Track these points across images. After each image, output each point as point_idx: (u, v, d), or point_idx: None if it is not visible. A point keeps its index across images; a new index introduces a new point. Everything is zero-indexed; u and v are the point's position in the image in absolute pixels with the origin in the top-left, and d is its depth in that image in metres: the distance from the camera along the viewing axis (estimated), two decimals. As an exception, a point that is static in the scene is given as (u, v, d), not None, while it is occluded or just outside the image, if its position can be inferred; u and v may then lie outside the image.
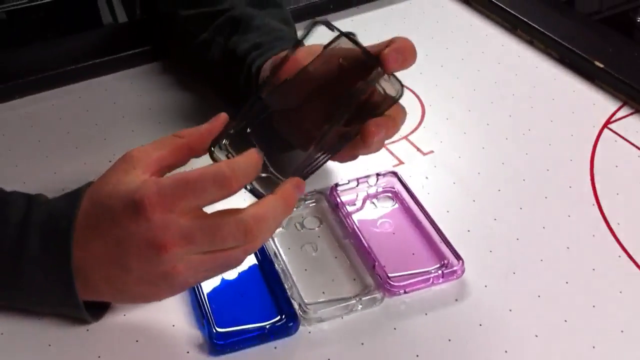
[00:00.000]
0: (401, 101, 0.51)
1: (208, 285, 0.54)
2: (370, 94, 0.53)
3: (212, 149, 0.50)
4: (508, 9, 0.85)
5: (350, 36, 0.52)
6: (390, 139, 0.68)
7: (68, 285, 0.48)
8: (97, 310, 0.52)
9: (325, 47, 0.53)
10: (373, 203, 0.62)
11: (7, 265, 0.49)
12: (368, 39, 0.80)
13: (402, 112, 0.55)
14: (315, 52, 0.54)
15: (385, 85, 0.52)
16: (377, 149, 0.56)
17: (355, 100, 0.51)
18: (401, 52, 0.52)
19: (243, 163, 0.47)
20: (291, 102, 0.54)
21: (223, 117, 0.51)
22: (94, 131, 0.70)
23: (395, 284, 0.54)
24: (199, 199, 0.46)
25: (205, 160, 0.50)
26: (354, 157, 0.58)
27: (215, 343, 0.50)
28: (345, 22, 0.86)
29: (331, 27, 0.52)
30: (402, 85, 0.52)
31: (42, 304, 0.51)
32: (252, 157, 0.48)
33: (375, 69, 0.51)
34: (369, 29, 0.85)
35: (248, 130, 0.52)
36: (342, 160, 0.58)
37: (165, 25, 0.76)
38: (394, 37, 0.54)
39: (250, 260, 0.57)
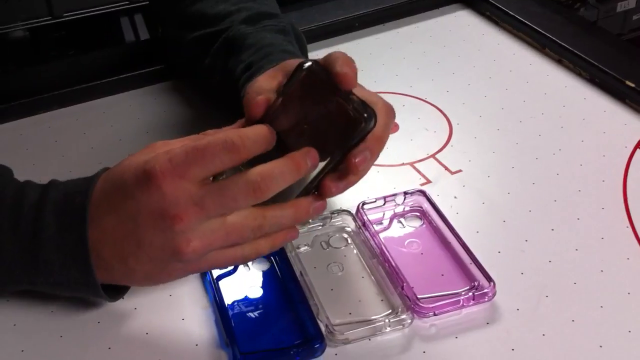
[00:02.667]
0: (429, 118, 0.50)
1: (232, 305, 0.53)
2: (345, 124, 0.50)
3: None
4: (536, 28, 0.84)
5: (313, 65, 0.50)
6: (417, 157, 0.68)
7: (84, 263, 0.48)
8: (115, 293, 0.52)
9: (290, 79, 0.51)
10: (400, 222, 0.61)
11: (25, 247, 0.49)
12: (394, 57, 0.80)
13: (381, 129, 0.51)
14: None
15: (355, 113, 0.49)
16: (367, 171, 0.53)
17: (346, 153, 0.49)
18: (348, 64, 0.50)
19: (252, 133, 0.47)
20: (281, 127, 0.52)
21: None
22: (118, 146, 0.70)
23: (425, 305, 0.52)
24: (209, 165, 0.46)
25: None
26: (347, 187, 0.53)
27: (240, 364, 0.49)
28: (371, 40, 0.85)
29: (317, 68, 0.50)
30: (371, 112, 0.49)
31: (60, 284, 0.50)
32: (261, 129, 0.48)
33: (367, 121, 0.48)
34: (395, 47, 0.84)
35: None
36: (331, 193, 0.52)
37: (174, 48, 0.75)
38: (328, 55, 0.52)
39: (276, 279, 0.56)
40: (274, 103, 0.51)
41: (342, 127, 0.49)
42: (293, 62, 0.56)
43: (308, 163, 0.48)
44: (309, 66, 0.51)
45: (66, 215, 0.48)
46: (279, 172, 0.47)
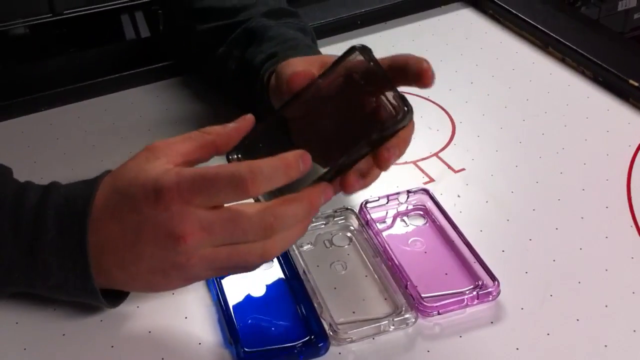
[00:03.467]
0: (432, 116, 0.50)
1: (236, 304, 0.53)
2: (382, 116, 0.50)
3: (228, 157, 0.50)
4: (539, 26, 0.83)
5: (363, 52, 0.50)
6: (420, 156, 0.67)
7: (83, 268, 0.48)
8: (115, 299, 0.51)
9: (337, 61, 0.51)
10: (403, 221, 0.61)
11: (25, 249, 0.48)
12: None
13: (411, 127, 0.53)
14: (327, 64, 0.53)
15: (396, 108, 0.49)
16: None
17: (377, 145, 0.50)
18: (426, 61, 0.51)
19: (267, 167, 0.45)
20: (304, 115, 0.53)
21: (249, 118, 0.50)
22: (120, 144, 0.69)
23: (429, 304, 0.52)
24: (213, 197, 0.45)
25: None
26: (367, 185, 0.54)
27: (244, 363, 0.48)
28: (374, 38, 0.85)
29: (367, 56, 0.50)
30: (410, 107, 0.49)
31: (59, 288, 0.49)
32: (281, 162, 0.45)
33: (404, 116, 0.48)
34: (397, 45, 0.84)
35: (260, 145, 0.51)
36: (353, 189, 0.53)
37: (184, 39, 0.75)
38: (402, 54, 0.52)
39: (279, 278, 0.55)
40: (313, 82, 0.51)
41: (376, 119, 0.49)
42: (326, 56, 0.56)
43: (322, 200, 0.48)
44: (363, 48, 0.50)
45: (67, 219, 0.48)
46: (294, 214, 0.46)
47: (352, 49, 0.50)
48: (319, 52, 0.67)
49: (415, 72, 0.51)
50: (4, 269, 0.49)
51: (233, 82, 0.69)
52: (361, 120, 0.51)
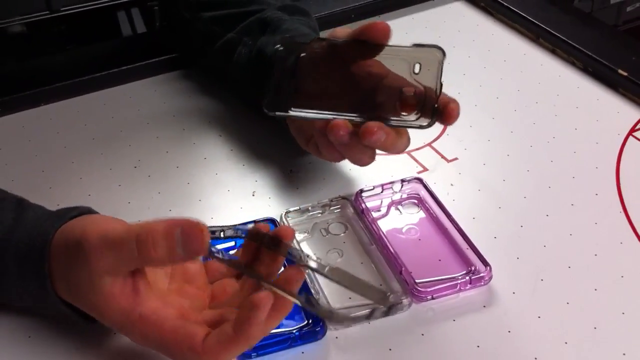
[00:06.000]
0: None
1: (235, 290, 0.54)
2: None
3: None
4: (530, 18, 0.85)
5: (443, 56, 0.55)
6: (414, 146, 0.68)
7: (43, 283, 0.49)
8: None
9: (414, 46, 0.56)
10: (398, 209, 0.62)
11: None
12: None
13: (405, 137, 0.56)
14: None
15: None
16: (368, 160, 0.57)
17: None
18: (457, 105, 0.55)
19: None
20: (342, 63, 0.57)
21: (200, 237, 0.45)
22: (119, 138, 0.71)
23: (423, 289, 0.54)
24: None
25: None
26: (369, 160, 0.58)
27: (243, 347, 0.50)
28: (367, 31, 0.86)
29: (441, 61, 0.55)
30: (433, 123, 0.54)
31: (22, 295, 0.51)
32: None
33: (425, 124, 0.54)
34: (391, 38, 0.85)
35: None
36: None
37: (189, 29, 0.76)
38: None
39: (276, 265, 0.57)
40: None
41: (401, 107, 0.55)
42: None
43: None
44: (442, 52, 0.55)
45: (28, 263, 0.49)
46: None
47: (439, 48, 0.55)
48: None
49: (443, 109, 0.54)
50: None
51: (241, 70, 0.69)
52: (387, 99, 0.55)
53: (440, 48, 0.55)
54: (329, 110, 0.56)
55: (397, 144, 0.55)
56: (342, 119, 0.54)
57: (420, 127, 0.54)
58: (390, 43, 0.56)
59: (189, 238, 0.44)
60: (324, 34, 0.84)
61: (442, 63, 0.54)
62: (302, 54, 0.59)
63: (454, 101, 0.55)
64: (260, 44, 0.67)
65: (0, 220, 0.50)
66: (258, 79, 0.66)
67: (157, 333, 0.46)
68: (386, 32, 0.55)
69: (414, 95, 0.55)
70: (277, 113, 0.57)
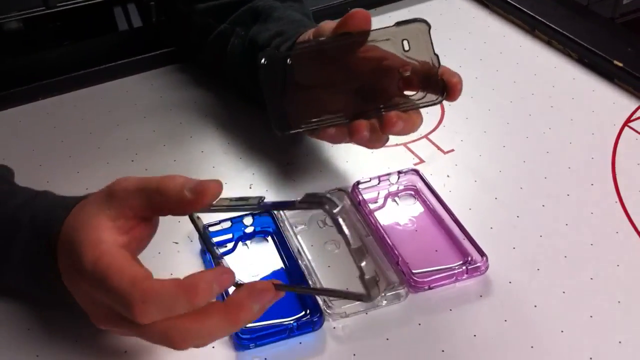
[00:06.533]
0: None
1: (232, 282, 0.54)
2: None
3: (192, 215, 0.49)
4: (526, 10, 0.85)
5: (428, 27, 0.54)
6: (410, 138, 0.69)
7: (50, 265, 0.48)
8: None
9: (397, 23, 0.54)
10: (395, 201, 0.62)
11: None
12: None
13: (420, 117, 0.56)
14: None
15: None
16: (383, 144, 0.57)
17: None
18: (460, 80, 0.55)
19: (163, 295, 0.42)
20: (338, 57, 0.56)
21: (214, 187, 0.45)
22: (116, 132, 0.71)
23: (420, 280, 0.54)
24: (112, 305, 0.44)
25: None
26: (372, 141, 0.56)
27: (241, 338, 0.50)
28: (363, 24, 0.86)
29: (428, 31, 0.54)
30: (445, 97, 0.54)
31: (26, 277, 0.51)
32: (181, 289, 0.42)
33: (436, 100, 0.54)
34: (386, 30, 0.85)
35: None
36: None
37: (184, 21, 0.76)
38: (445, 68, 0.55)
39: (274, 258, 0.57)
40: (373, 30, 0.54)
41: (406, 87, 0.56)
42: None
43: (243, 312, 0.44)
44: (427, 23, 0.54)
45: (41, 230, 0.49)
46: (166, 292, 0.42)
47: (422, 20, 0.54)
48: None
49: (447, 84, 0.54)
50: None
51: (235, 60, 0.69)
52: (389, 83, 0.55)
53: (423, 20, 0.54)
54: (339, 112, 0.55)
55: (415, 126, 0.55)
56: (359, 121, 0.54)
57: (433, 103, 0.54)
58: (373, 28, 0.55)
59: (199, 185, 0.44)
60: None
61: (429, 34, 0.54)
62: (290, 62, 0.56)
63: (456, 75, 0.54)
64: (253, 33, 0.67)
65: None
66: (253, 70, 0.66)
67: (104, 267, 0.43)
68: (367, 18, 0.54)
69: (414, 73, 0.54)
70: (290, 132, 0.56)
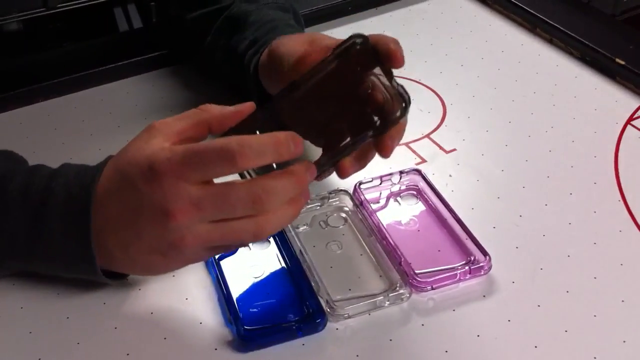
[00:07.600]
0: (423, 99, 0.52)
1: (236, 284, 0.54)
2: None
3: None
4: (527, 8, 0.85)
5: (363, 42, 0.50)
6: (412, 137, 0.69)
7: (85, 235, 0.49)
8: (114, 279, 0.53)
9: (335, 49, 0.50)
10: (397, 201, 0.62)
11: (32, 213, 0.50)
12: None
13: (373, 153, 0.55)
14: (315, 41, 0.55)
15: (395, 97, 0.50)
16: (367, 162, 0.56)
17: (378, 135, 0.51)
18: (397, 43, 0.51)
19: (257, 142, 0.45)
20: (301, 104, 0.52)
21: (249, 105, 0.50)
22: (117, 133, 0.70)
23: (423, 280, 0.54)
24: (204, 171, 0.46)
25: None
26: (360, 169, 0.55)
27: (244, 340, 0.50)
28: (364, 24, 0.86)
29: (366, 45, 0.50)
30: (409, 98, 0.49)
31: (58, 256, 0.50)
32: (271, 139, 0.46)
33: (405, 108, 0.49)
34: (387, 30, 0.85)
35: (257, 132, 0.50)
36: (348, 173, 0.54)
37: (176, 29, 0.77)
38: (376, 35, 0.52)
39: (276, 259, 0.57)
40: (313, 70, 0.50)
41: (375, 109, 0.50)
42: (313, 34, 0.58)
43: (308, 177, 0.48)
44: (365, 40, 0.50)
45: (75, 188, 0.49)
46: (282, 188, 0.46)
47: (352, 40, 0.50)
48: (300, 29, 0.68)
49: (384, 53, 0.51)
50: (9, 234, 0.50)
51: (222, 73, 0.70)
52: (360, 111, 0.51)
53: (358, 35, 0.50)
54: (335, 148, 0.52)
55: (401, 135, 0.55)
56: (343, 162, 0.52)
57: (405, 108, 0.49)
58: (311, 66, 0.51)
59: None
60: (312, 28, 0.84)
61: (368, 46, 0.50)
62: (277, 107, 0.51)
63: (391, 41, 0.51)
64: (233, 43, 0.67)
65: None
66: (238, 80, 0.66)
67: (183, 148, 0.46)
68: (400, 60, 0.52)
69: (377, 91, 0.51)
70: None
